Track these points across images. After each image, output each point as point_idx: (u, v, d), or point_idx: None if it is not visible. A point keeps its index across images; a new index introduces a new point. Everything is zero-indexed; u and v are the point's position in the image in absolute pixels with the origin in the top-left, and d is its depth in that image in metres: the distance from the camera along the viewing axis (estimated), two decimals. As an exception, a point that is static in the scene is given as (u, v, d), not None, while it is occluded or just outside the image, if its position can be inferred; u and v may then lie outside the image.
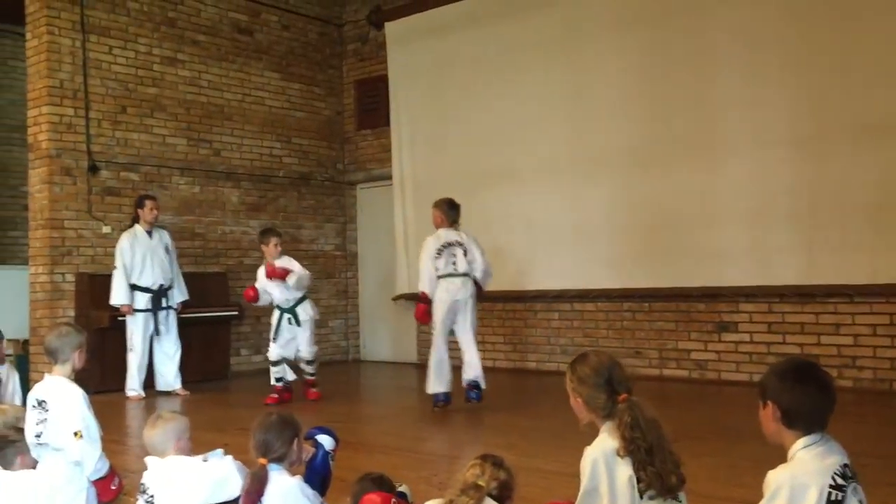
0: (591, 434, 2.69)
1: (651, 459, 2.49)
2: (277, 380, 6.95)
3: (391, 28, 9.80)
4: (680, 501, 2.59)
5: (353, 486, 3.20)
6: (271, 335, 7.04)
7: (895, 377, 6.49)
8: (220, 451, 3.68)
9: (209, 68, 9.18)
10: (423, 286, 6.40)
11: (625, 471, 2.52)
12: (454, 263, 6.37)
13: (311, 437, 3.47)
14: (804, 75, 6.89)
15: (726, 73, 7.30)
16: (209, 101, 9.16)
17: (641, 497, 2.50)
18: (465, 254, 6.38)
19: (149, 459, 3.51)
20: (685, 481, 2.59)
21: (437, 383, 6.32)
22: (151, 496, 3.40)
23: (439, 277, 6.36)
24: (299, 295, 7.05)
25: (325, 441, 3.47)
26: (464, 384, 6.36)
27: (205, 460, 3.46)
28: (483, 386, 6.33)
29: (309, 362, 7.08)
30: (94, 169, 8.16)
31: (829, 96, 6.78)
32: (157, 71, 8.74)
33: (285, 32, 9.95)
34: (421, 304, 6.45)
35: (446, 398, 6.30)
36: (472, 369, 6.37)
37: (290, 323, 7.00)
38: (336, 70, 10.50)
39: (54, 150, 7.94)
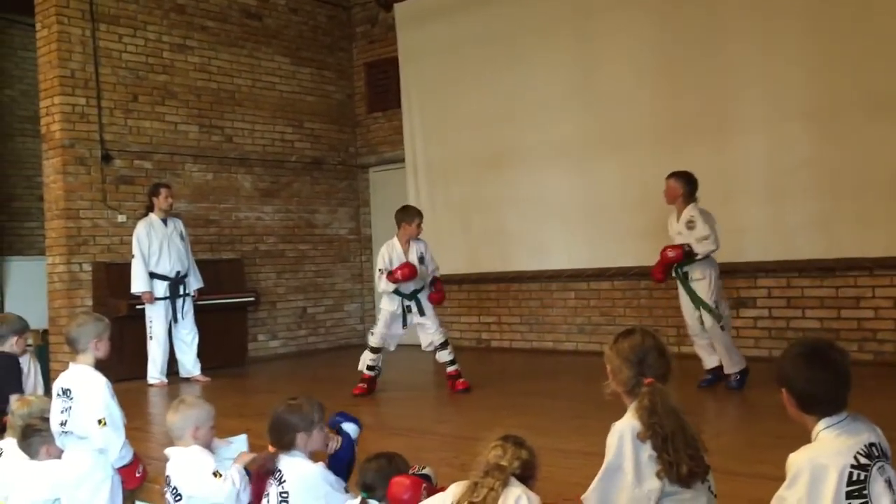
0: (612, 410, 2.68)
1: (665, 447, 2.47)
2: (370, 368, 6.49)
3: (400, 9, 9.73)
4: (708, 485, 2.58)
5: (362, 466, 3.19)
6: (381, 320, 6.50)
7: (917, 349, 6.45)
8: (244, 436, 3.71)
9: (219, 54, 9.15)
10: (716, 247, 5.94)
11: (647, 449, 2.51)
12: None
13: (334, 426, 3.47)
14: (821, 49, 6.81)
15: (740, 48, 7.21)
16: (220, 87, 9.14)
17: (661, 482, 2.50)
18: None
19: (169, 451, 3.53)
20: (707, 471, 2.56)
21: (739, 360, 5.91)
22: (175, 488, 3.43)
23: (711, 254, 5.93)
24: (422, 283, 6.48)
25: (350, 429, 3.47)
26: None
27: (219, 455, 3.50)
28: None
29: (443, 346, 6.47)
30: (107, 158, 8.17)
31: (846, 70, 6.69)
32: (167, 58, 8.71)
33: (294, 16, 9.90)
34: None
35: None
36: None
37: (409, 311, 6.45)
38: (346, 53, 10.44)
39: (67, 140, 7.95)
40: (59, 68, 7.93)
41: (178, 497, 3.41)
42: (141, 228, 7.48)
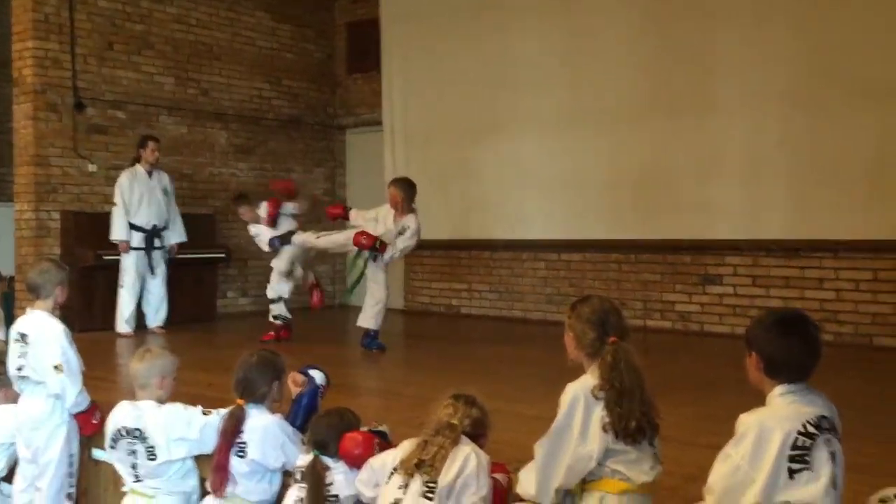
0: (576, 376, 2.71)
1: (619, 401, 2.51)
2: (274, 317, 7.12)
3: (385, -31, 9.61)
4: (653, 447, 2.63)
5: (313, 423, 3.20)
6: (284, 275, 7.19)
7: (876, 332, 6.55)
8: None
9: (198, 6, 9.00)
10: None
11: (600, 413, 2.54)
12: None
13: (303, 372, 3.50)
14: (804, 32, 6.84)
15: (725, 28, 7.21)
16: (198, 39, 9.01)
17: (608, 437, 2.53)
18: None
19: (144, 404, 3.48)
20: (656, 431, 2.61)
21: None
22: (151, 447, 3.39)
23: None
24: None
25: (317, 376, 3.50)
26: None
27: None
28: None
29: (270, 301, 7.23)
30: (79, 106, 8.05)
31: (828, 54, 6.72)
32: (144, 7, 8.57)
33: (276, -29, 9.76)
34: None
35: None
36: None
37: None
38: (327, 12, 10.30)
39: (39, 85, 7.83)
40: (32, 12, 7.78)
41: (153, 456, 3.37)
42: (124, 178, 7.48)
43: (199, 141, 9.06)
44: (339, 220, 7.04)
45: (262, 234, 7.14)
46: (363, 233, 6.39)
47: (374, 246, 6.37)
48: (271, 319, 7.15)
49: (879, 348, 6.50)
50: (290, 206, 7.18)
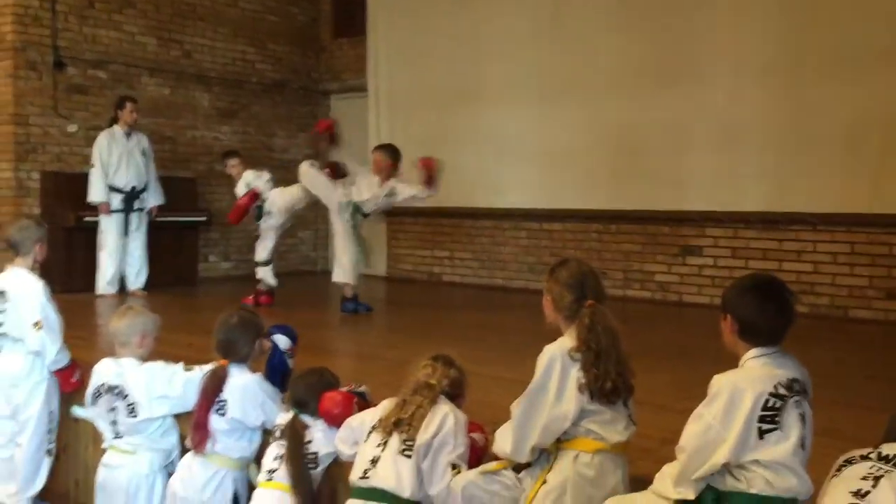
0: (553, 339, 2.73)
1: (596, 363, 2.55)
2: (258, 280, 7.19)
3: (371, -68, 9.49)
4: (628, 408, 2.67)
5: (293, 382, 3.24)
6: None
7: (852, 304, 6.64)
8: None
9: (180, -36, 8.89)
10: None
11: (576, 374, 2.58)
12: None
13: (267, 336, 3.52)
14: (784, 4, 6.84)
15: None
16: (180, -1, 8.90)
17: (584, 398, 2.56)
18: None
19: (126, 362, 3.48)
20: (631, 392, 2.65)
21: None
22: (132, 404, 3.39)
23: None
24: None
25: (281, 341, 3.52)
26: None
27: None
28: None
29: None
30: (59, 65, 7.94)
31: (807, 26, 6.74)
32: (125, -36, 8.45)
33: (261, -68, 9.62)
34: None
35: None
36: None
37: None
38: (312, -27, 10.20)
39: (19, 43, 7.71)
40: (11, -33, 7.65)
41: (133, 413, 3.38)
42: (102, 139, 7.42)
43: (181, 103, 8.97)
44: (326, 134, 6.86)
45: (252, 182, 7.07)
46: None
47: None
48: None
49: (855, 320, 6.59)
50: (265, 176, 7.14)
